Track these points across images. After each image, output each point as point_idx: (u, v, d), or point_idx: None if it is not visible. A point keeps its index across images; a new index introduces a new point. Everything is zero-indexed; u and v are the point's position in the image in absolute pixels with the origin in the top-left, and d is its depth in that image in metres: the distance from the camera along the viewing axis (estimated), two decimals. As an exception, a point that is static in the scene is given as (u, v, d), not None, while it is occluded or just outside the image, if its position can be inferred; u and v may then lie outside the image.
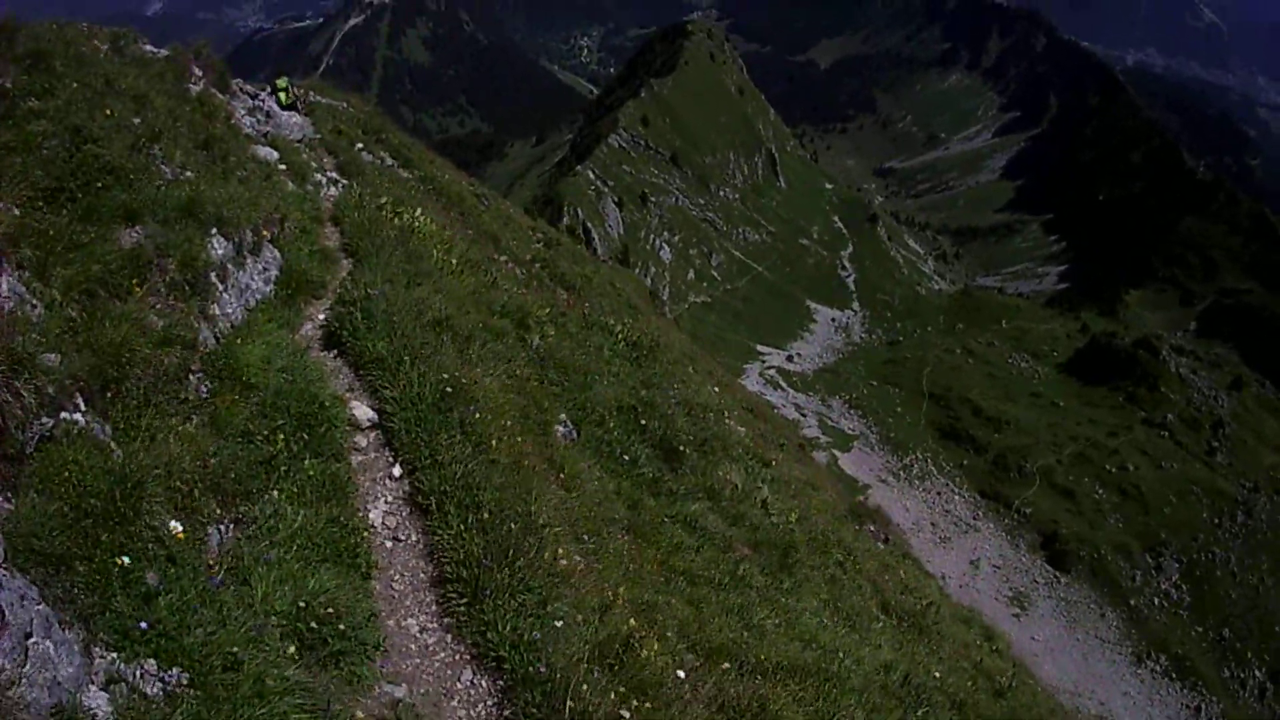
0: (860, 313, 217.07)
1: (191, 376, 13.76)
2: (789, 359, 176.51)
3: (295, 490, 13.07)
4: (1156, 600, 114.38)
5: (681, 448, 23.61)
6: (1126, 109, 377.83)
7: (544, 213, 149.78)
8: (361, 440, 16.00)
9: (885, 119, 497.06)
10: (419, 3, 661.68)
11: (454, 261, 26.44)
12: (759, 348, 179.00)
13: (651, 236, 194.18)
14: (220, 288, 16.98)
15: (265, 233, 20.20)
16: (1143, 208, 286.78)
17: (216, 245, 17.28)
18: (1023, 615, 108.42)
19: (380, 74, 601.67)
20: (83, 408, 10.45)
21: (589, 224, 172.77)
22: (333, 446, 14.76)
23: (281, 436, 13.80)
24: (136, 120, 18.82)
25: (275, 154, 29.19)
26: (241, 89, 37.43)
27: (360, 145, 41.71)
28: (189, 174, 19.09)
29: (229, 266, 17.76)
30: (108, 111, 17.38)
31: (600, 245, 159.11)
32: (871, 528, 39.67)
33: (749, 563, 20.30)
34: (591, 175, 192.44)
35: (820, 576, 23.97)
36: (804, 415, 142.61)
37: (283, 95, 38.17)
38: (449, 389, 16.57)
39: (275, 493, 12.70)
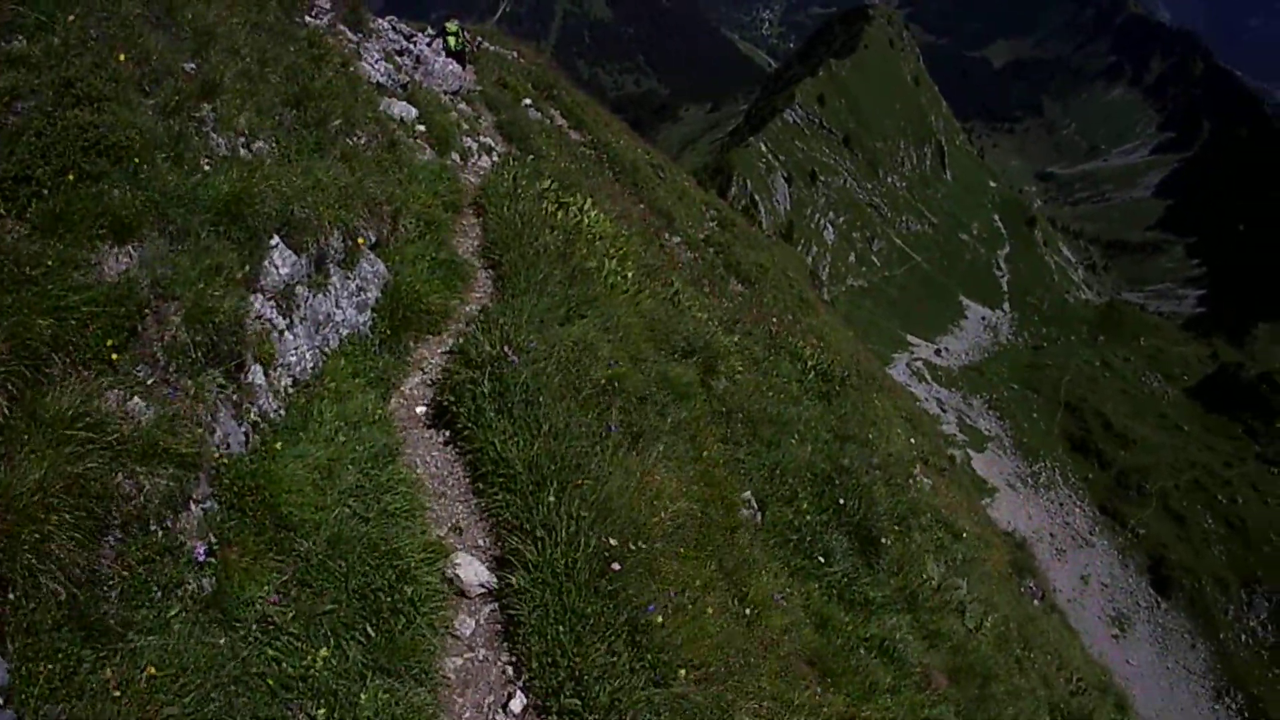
0: (1010, 314, 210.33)
1: (188, 513, 8.31)
2: (937, 352, 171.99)
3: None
4: (1244, 637, 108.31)
5: (881, 537, 19.68)
6: (1273, 143, 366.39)
7: (714, 181, 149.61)
8: (467, 622, 10.18)
9: (1051, 124, 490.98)
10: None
11: (629, 275, 20.19)
12: (909, 338, 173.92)
13: (817, 215, 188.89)
14: (276, 329, 11.24)
15: (364, 236, 14.03)
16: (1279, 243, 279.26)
17: (277, 262, 11.29)
18: (1122, 638, 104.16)
19: (559, 25, 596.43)
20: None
21: (757, 196, 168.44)
22: (416, 651, 9.09)
23: (328, 636, 8.61)
24: (190, 66, 12.49)
25: (413, 111, 22.75)
26: (394, 27, 31.74)
27: (528, 101, 37.00)
28: (259, 145, 12.93)
29: (298, 291, 11.90)
30: (122, 57, 10.81)
31: (766, 219, 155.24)
32: (1031, 584, 38.90)
33: (945, 704, 16.83)
34: (764, 148, 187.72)
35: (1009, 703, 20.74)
36: (944, 411, 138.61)
37: (452, 40, 34.16)
38: (611, 553, 10.39)
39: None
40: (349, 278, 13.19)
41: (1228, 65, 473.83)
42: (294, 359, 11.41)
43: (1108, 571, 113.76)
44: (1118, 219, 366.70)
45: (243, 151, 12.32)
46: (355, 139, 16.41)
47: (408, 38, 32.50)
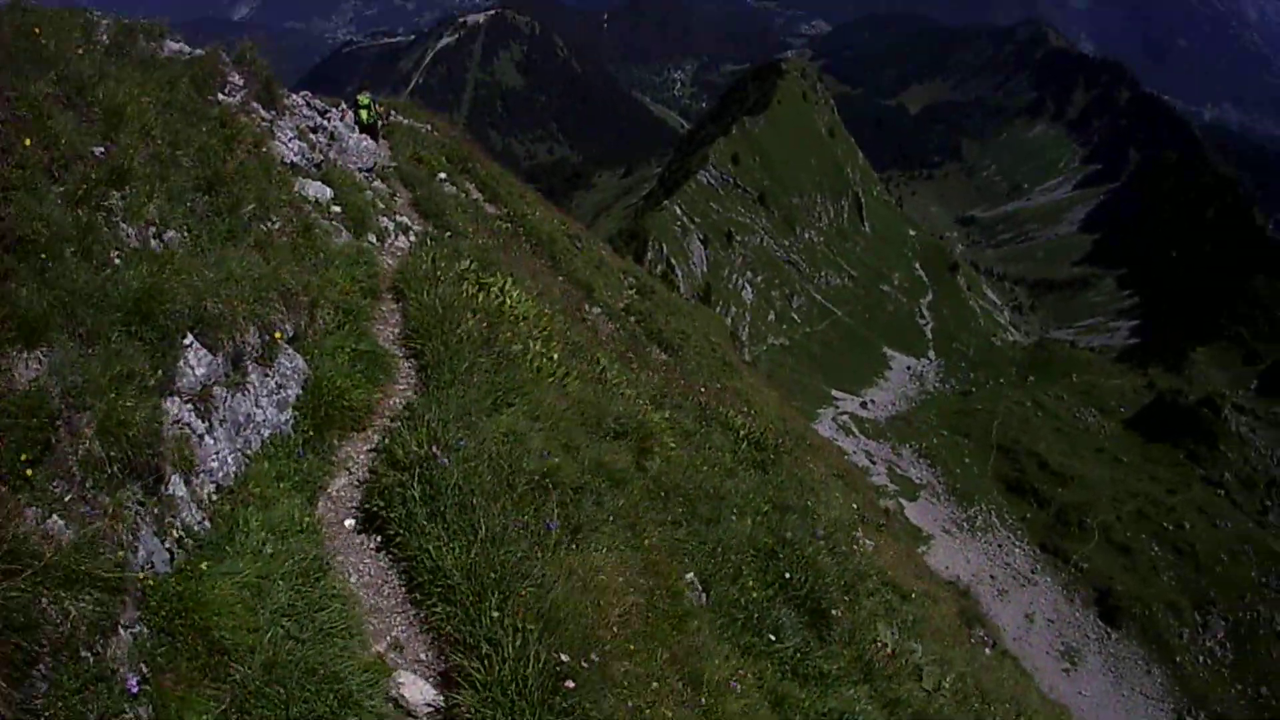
0: (935, 361, 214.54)
1: (118, 639, 7.72)
2: (863, 405, 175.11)
3: None
4: (1201, 658, 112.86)
5: (830, 609, 19.41)
6: (1201, 165, 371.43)
7: (630, 246, 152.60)
8: (413, 748, 9.24)
9: (971, 167, 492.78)
10: (513, 27, 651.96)
11: (554, 357, 19.81)
12: (834, 393, 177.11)
13: (735, 276, 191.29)
14: (195, 434, 10.64)
15: (281, 330, 13.50)
16: (1213, 265, 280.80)
17: (191, 362, 10.77)
18: (1073, 670, 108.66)
19: (471, 95, 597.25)
20: None
21: (673, 260, 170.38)
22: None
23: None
24: (99, 150, 11.86)
25: (328, 191, 22.25)
26: (308, 102, 31.11)
27: (443, 176, 36.64)
28: (170, 235, 12.42)
29: (216, 392, 11.35)
30: (28, 141, 10.34)
31: (683, 283, 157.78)
32: (982, 633, 38.54)
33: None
34: (678, 210, 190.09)
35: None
36: (873, 462, 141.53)
37: (364, 113, 33.75)
38: (563, 668, 9.81)
39: None
40: (268, 375, 12.72)
41: (1156, 90, 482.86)
42: (215, 464, 10.87)
43: (1053, 608, 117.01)
44: (1043, 257, 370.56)
45: (154, 243, 11.87)
46: (269, 224, 15.91)
47: (322, 113, 31.88)
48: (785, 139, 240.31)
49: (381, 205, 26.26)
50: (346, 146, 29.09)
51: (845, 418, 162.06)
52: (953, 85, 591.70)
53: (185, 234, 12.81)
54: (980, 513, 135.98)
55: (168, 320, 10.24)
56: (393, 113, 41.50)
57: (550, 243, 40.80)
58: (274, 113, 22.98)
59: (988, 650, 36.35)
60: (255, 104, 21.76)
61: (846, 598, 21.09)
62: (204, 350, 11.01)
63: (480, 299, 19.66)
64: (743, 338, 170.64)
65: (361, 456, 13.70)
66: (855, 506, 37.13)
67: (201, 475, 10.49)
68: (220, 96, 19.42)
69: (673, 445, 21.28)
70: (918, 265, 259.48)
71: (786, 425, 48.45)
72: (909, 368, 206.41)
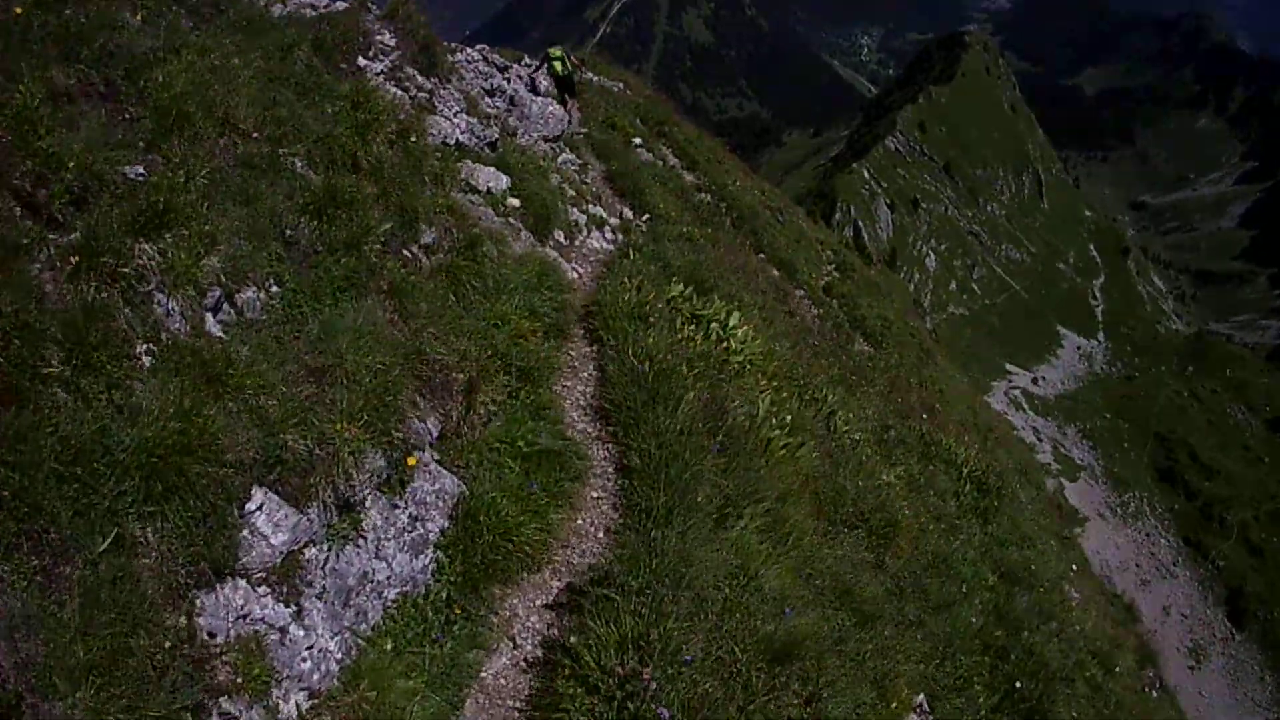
0: (1104, 343, 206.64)
1: None
2: (1034, 381, 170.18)
3: None
4: None
5: None
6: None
7: (818, 206, 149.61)
8: None
9: (1143, 153, 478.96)
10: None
11: (787, 419, 15.12)
12: (1008, 366, 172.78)
13: (919, 242, 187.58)
14: (275, 631, 6.95)
15: (421, 439, 9.20)
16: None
17: (263, 529, 6.95)
18: (1197, 669, 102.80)
19: (659, 48, 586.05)
20: None
21: (860, 223, 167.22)
22: None
23: None
24: (134, 171, 7.89)
25: (504, 179, 17.42)
26: (485, 57, 26.87)
27: (638, 141, 32.60)
28: (248, 296, 8.46)
29: (309, 557, 7.41)
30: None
31: (870, 246, 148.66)
32: (1150, 673, 36.69)
33: None
34: (866, 174, 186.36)
35: None
36: (1040, 440, 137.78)
37: (558, 65, 29.55)
38: None
39: None
40: (397, 506, 8.43)
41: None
42: (306, 665, 7.09)
43: (1187, 603, 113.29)
44: (1205, 249, 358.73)
45: (214, 320, 7.69)
46: (414, 248, 11.17)
47: (501, 70, 27.59)
48: (970, 111, 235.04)
49: (570, 190, 21.62)
50: (529, 112, 24.84)
51: (1017, 392, 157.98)
52: (1123, 71, 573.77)
53: (271, 292, 8.54)
54: (1133, 499, 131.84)
55: (214, 482, 6.39)
56: (583, 69, 37.22)
57: (752, 217, 37.14)
58: (435, 80, 18.16)
59: (1154, 692, 34.82)
60: (411, 70, 16.99)
61: (1067, 690, 19.12)
62: (283, 508, 7.04)
63: (699, 343, 14.96)
64: (925, 304, 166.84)
65: (534, 619, 9.42)
66: (1057, 547, 35.35)
67: (285, 683, 6.86)
68: (362, 62, 14.57)
69: (914, 528, 18.01)
70: (1092, 246, 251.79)
71: (978, 417, 49.03)
72: (1079, 347, 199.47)
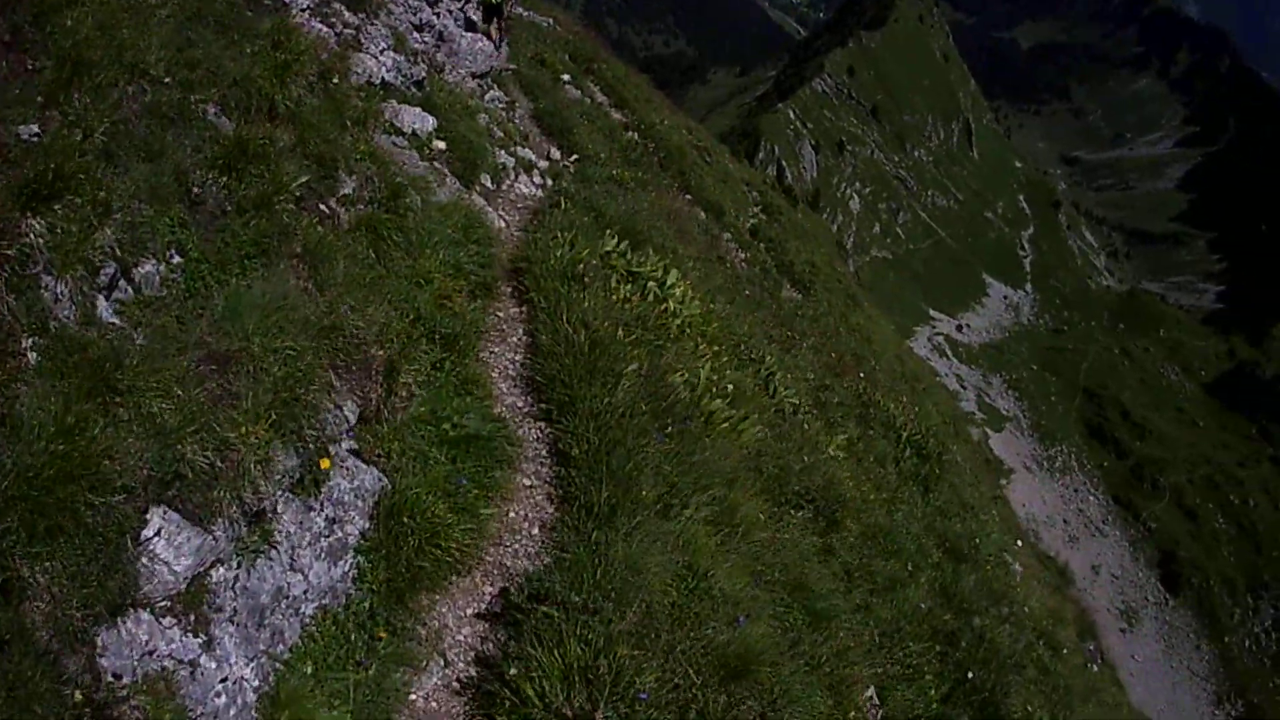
0: (1032, 294, 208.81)
1: None
2: (958, 328, 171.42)
3: None
4: (1247, 642, 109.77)
5: (1010, 714, 17.21)
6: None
7: (742, 145, 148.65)
8: None
9: (1078, 109, 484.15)
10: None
11: (728, 388, 14.65)
12: (932, 312, 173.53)
13: (844, 185, 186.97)
14: (184, 667, 6.00)
15: (337, 432, 8.15)
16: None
17: (164, 556, 5.92)
18: (1129, 631, 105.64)
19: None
20: None
21: (784, 163, 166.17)
22: None
23: None
24: (28, 131, 6.91)
25: (430, 121, 16.45)
26: None
27: (567, 78, 32.36)
28: (146, 270, 7.37)
29: (216, 577, 6.46)
30: None
31: (794, 186, 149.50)
32: (1091, 647, 37.37)
33: None
34: (792, 115, 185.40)
35: None
36: (964, 388, 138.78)
37: None
38: None
39: None
40: (312, 508, 7.52)
41: (1253, 66, 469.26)
42: (221, 700, 6.27)
43: (1118, 563, 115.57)
44: (1141, 208, 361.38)
45: (105, 306, 6.74)
46: (328, 205, 10.22)
47: (432, 4, 26.44)
48: (900, 57, 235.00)
49: (498, 131, 20.74)
50: (458, 48, 23.79)
51: (940, 339, 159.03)
52: (1063, 27, 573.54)
53: (172, 264, 7.59)
54: (1060, 454, 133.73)
55: (105, 512, 5.59)
56: (514, 3, 36.58)
57: (680, 156, 36.55)
58: (363, 15, 17.14)
59: (1095, 666, 35.26)
60: (338, 4, 16.02)
61: (1018, 678, 18.73)
62: (184, 529, 6.15)
63: (635, 304, 14.13)
64: (848, 247, 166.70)
65: (465, 631, 8.61)
66: (997, 515, 36.35)
67: (198, 723, 5.86)
68: (286, -1, 13.45)
69: (859, 504, 17.67)
70: (1021, 198, 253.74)
71: (905, 366, 50.79)
72: (1006, 297, 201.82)
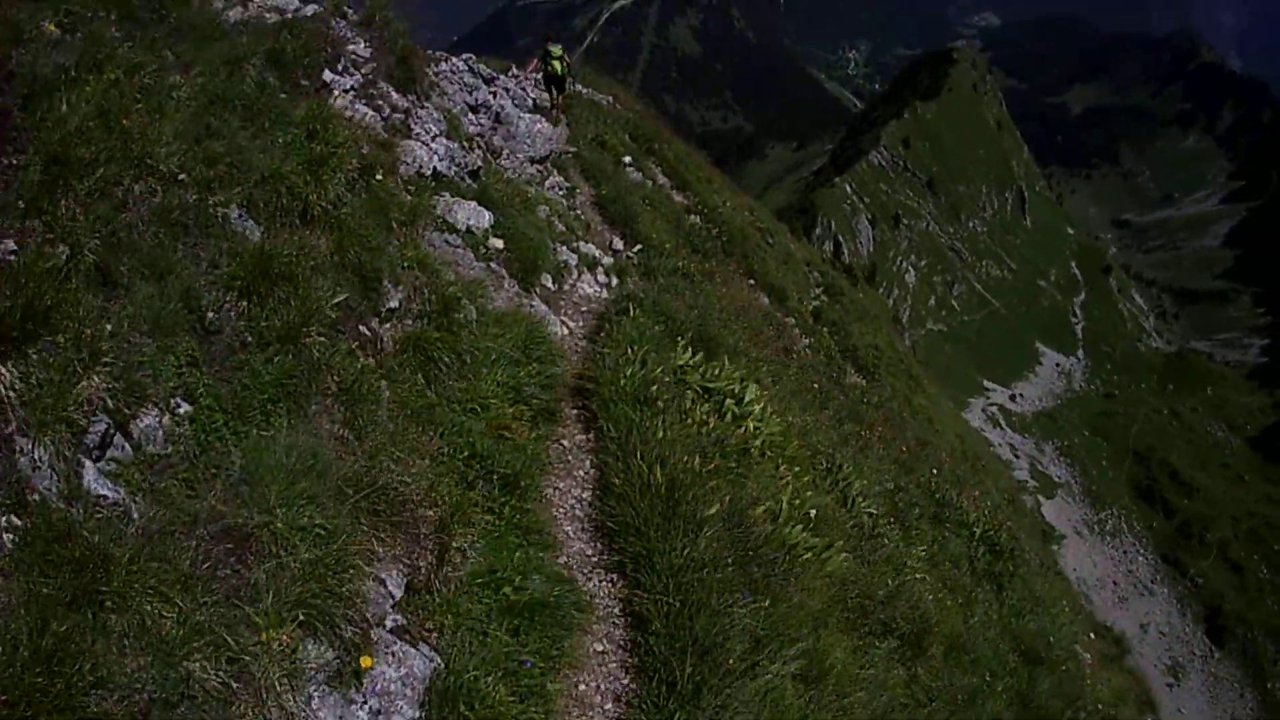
0: (1084, 361, 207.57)
1: None
2: (1012, 398, 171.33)
3: None
4: None
5: None
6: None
7: (798, 221, 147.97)
8: None
9: (1127, 171, 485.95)
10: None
11: (810, 512, 13.21)
12: (985, 383, 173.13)
13: (899, 258, 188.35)
14: None
15: (379, 617, 6.84)
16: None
17: None
18: (1176, 686, 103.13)
19: (646, 59, 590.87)
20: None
21: (840, 237, 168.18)
22: None
23: None
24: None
25: (486, 216, 15.22)
26: (471, 67, 25.42)
27: (628, 160, 31.43)
28: (145, 425, 6.15)
29: None
30: None
31: (849, 259, 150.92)
32: (1149, 719, 36.77)
33: None
34: (849, 189, 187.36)
35: None
36: (1017, 456, 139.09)
37: (557, 64, 30.10)
38: None
39: None
40: (353, 701, 6.26)
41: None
42: None
43: (1166, 620, 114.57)
44: (1188, 267, 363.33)
45: (94, 474, 5.58)
46: (370, 326, 9.03)
47: (488, 81, 25.84)
48: (955, 127, 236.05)
49: (559, 224, 19.61)
50: (515, 131, 23.25)
51: (994, 409, 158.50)
52: (1112, 89, 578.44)
53: (179, 414, 6.45)
54: (1111, 516, 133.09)
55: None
56: (574, 80, 36.13)
57: (742, 240, 36.54)
58: (413, 97, 16.01)
59: None
60: (385, 85, 14.75)
61: None
62: None
63: (712, 426, 12.81)
64: (903, 320, 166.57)
65: None
66: (1068, 608, 34.06)
67: None
68: (329, 77, 12.41)
69: (940, 621, 16.62)
70: (1073, 264, 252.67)
71: (965, 445, 51.81)
72: (1058, 365, 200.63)
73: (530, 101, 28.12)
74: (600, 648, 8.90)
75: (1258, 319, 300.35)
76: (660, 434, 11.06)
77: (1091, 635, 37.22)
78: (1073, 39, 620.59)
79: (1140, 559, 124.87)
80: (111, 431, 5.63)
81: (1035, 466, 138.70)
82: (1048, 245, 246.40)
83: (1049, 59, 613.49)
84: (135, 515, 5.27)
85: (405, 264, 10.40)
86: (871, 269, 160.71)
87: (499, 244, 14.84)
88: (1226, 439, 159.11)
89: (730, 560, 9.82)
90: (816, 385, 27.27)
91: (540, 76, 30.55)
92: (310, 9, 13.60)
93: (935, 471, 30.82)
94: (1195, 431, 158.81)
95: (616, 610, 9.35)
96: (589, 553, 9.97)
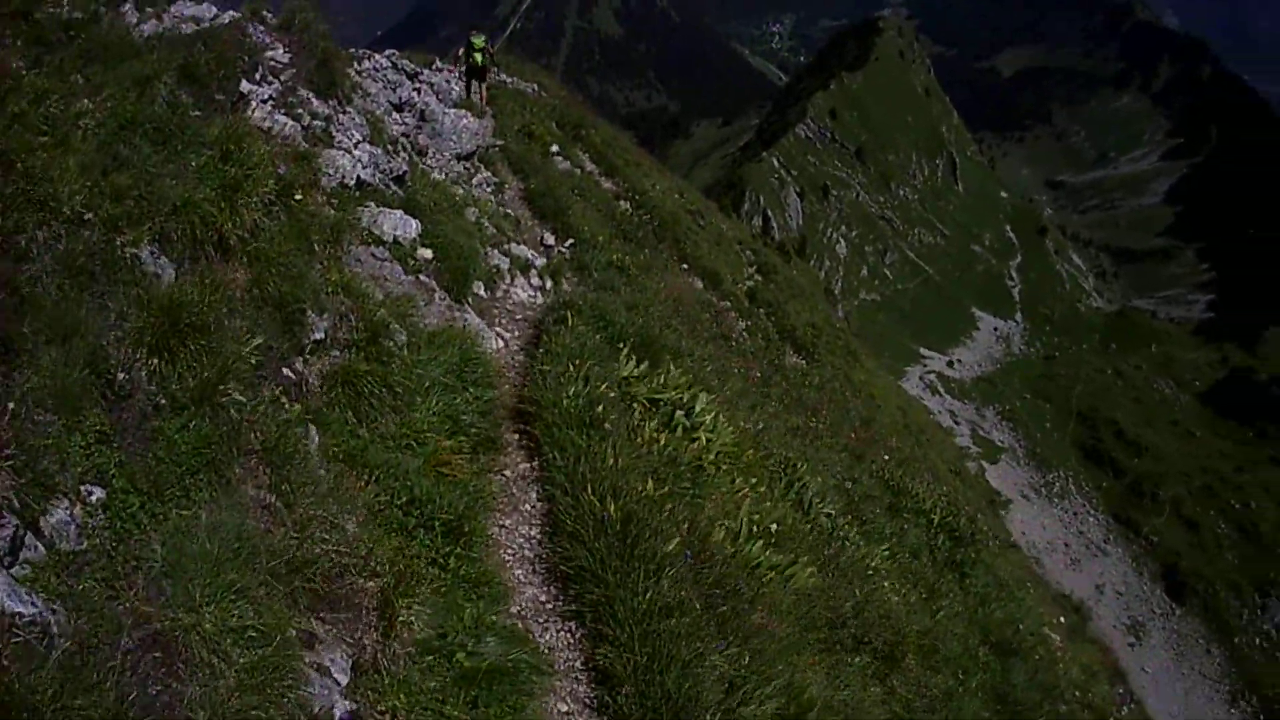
0: (1022, 324, 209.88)
1: None
2: (949, 364, 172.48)
3: None
4: (1258, 640, 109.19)
5: None
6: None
7: (726, 197, 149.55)
8: None
9: (1060, 132, 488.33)
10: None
11: (771, 527, 12.88)
12: (922, 350, 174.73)
13: (830, 230, 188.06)
14: None
15: (330, 704, 6.08)
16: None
17: None
18: (1137, 645, 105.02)
19: (569, 42, 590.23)
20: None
21: (769, 211, 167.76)
22: None
23: None
24: None
25: (413, 225, 14.51)
26: (395, 63, 25.26)
27: (556, 148, 31.48)
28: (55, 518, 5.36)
29: None
30: None
31: (778, 234, 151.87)
32: (1120, 690, 38.45)
33: None
34: (776, 163, 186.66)
35: None
36: (958, 423, 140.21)
37: (479, 56, 29.81)
38: None
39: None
40: None
41: (1237, 70, 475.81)
42: None
43: (1122, 580, 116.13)
44: (1127, 226, 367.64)
45: (8, 602, 4.87)
46: (294, 369, 8.42)
47: (411, 77, 25.27)
48: (882, 96, 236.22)
49: (489, 226, 19.05)
50: (441, 128, 22.65)
51: (932, 376, 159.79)
52: (1045, 51, 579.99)
53: (91, 502, 5.79)
54: (1058, 479, 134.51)
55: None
56: (498, 70, 37.31)
57: (674, 223, 36.21)
58: (334, 102, 15.15)
59: (1127, 709, 36.12)
60: (305, 92, 13.95)
61: None
62: None
63: (663, 443, 12.14)
64: (836, 292, 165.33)
65: None
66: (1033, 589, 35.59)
67: None
68: (246, 88, 11.72)
69: (916, 639, 16.35)
70: (1008, 227, 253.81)
71: (908, 418, 52.48)
72: (996, 329, 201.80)
73: (455, 95, 27.58)
74: (565, 708, 8.36)
75: (1201, 275, 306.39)
76: (610, 460, 10.42)
77: (1051, 604, 37.24)
78: (1004, 3, 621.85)
79: (1091, 520, 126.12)
80: (21, 533, 5.04)
81: (977, 432, 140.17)
82: (981, 210, 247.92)
83: (979, 24, 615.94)
84: (55, 629, 4.64)
85: (329, 289, 9.79)
86: (801, 242, 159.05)
87: (428, 254, 14.20)
88: (1175, 396, 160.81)
89: (697, 602, 9.26)
90: (758, 374, 27.10)
91: (463, 69, 30.29)
92: (228, 15, 12.95)
93: (886, 458, 30.61)
94: (1141, 390, 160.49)
95: (578, 664, 8.81)
96: (543, 599, 9.38)
